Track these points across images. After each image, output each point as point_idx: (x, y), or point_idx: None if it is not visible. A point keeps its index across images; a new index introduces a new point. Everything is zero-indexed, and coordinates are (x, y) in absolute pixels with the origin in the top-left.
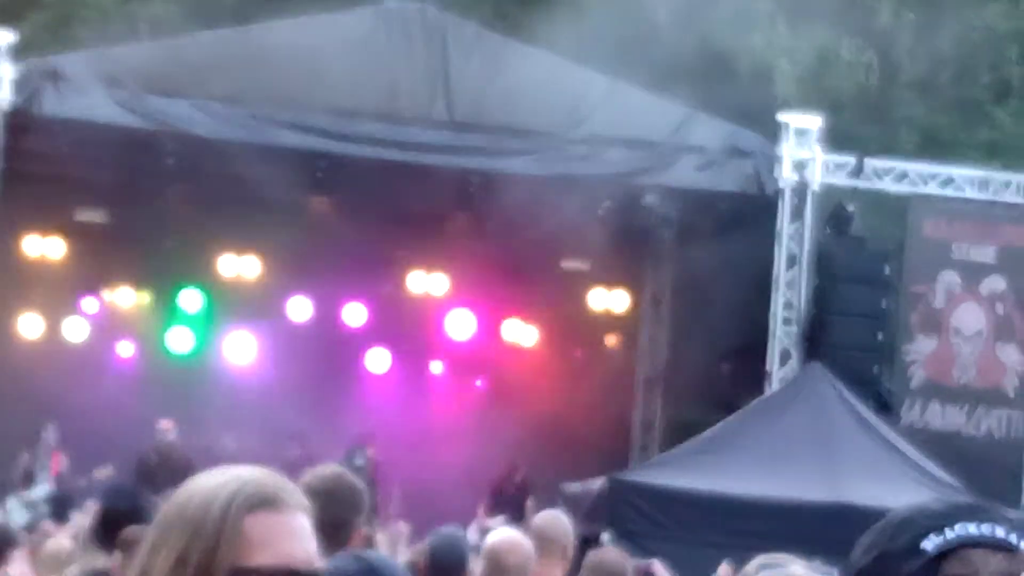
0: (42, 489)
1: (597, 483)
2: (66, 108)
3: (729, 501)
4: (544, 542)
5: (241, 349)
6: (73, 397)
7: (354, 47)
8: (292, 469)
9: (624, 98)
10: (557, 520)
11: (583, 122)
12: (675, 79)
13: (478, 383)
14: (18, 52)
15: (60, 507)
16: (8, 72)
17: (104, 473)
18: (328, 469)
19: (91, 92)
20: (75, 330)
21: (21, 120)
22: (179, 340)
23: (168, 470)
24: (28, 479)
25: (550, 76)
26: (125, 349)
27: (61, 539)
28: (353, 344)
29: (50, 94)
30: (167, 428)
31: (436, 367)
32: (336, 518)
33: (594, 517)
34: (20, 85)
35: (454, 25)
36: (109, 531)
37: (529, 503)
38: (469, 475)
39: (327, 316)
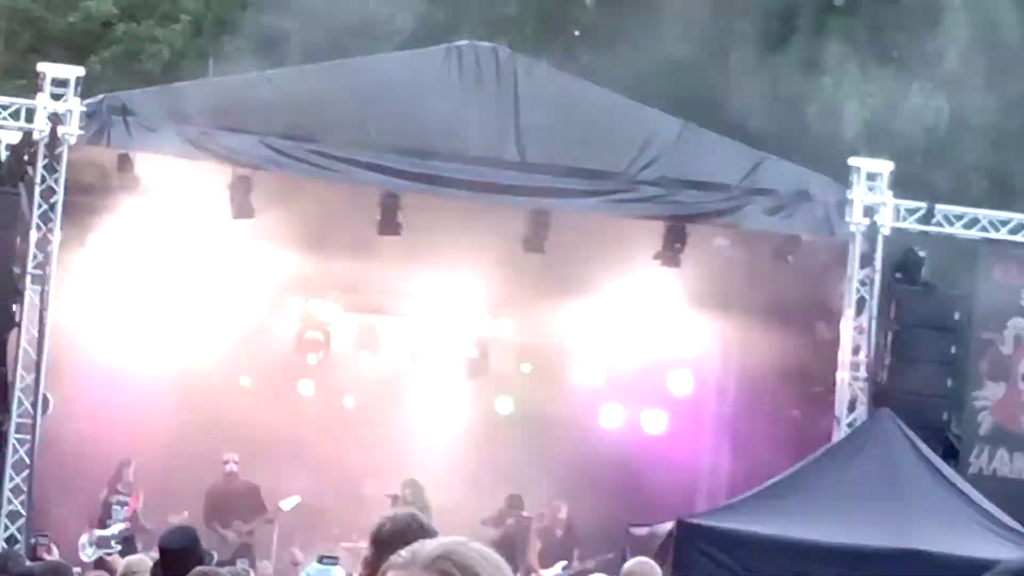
0: (116, 527)
1: (665, 526)
2: (134, 143)
3: (797, 546)
4: None
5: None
6: (148, 436)
7: (425, 86)
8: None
9: (695, 140)
10: (648, 568)
11: (653, 163)
12: (745, 123)
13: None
14: (87, 87)
15: (130, 545)
16: (77, 107)
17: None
18: (402, 511)
19: (159, 128)
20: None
21: (89, 155)
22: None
23: (233, 503)
24: (106, 516)
25: (620, 117)
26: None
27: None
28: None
29: (118, 129)
30: (230, 461)
31: (503, 405)
32: None
33: (661, 560)
34: (88, 120)
35: (525, 65)
36: (168, 570)
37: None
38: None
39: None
